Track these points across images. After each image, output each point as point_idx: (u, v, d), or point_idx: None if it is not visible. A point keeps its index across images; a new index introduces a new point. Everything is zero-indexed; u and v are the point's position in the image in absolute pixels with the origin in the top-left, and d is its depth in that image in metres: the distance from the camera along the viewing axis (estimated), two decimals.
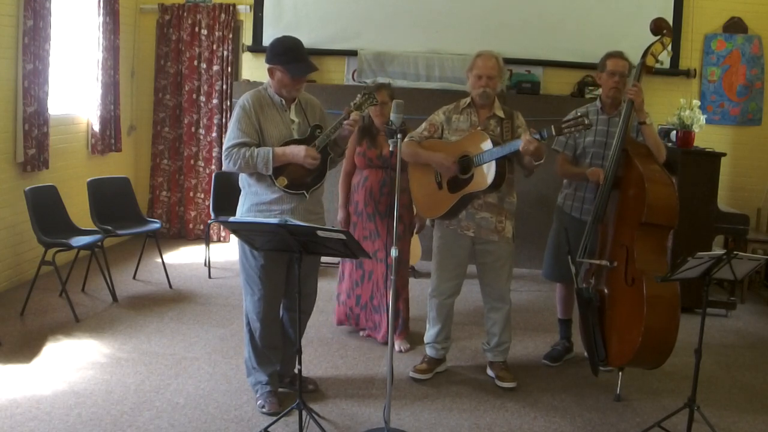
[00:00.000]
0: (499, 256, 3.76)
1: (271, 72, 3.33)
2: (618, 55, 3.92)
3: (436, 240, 3.87)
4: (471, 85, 3.72)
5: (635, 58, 3.86)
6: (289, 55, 3.28)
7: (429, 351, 3.98)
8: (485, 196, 3.66)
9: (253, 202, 3.37)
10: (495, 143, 3.53)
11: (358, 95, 3.40)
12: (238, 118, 3.31)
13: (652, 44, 3.78)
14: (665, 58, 3.99)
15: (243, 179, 3.43)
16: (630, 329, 3.46)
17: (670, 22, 6.12)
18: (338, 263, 6.03)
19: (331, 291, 5.34)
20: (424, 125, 3.81)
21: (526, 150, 3.38)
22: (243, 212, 3.42)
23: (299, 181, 3.31)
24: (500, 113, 3.73)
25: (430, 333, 3.96)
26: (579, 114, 3.45)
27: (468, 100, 3.77)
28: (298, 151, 3.25)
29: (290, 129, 3.35)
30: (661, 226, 3.56)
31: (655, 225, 3.53)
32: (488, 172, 3.53)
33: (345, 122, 3.31)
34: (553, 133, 3.39)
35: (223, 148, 3.33)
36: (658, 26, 3.81)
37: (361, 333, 4.49)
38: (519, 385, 3.84)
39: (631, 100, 3.67)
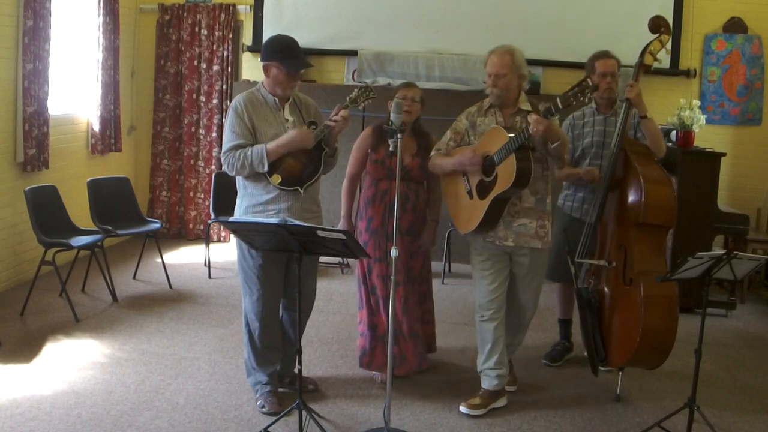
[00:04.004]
0: (531, 269, 3.49)
1: (266, 69, 3.34)
2: (605, 55, 3.90)
3: (473, 257, 3.57)
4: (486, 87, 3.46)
5: (635, 58, 3.86)
6: (285, 52, 3.29)
7: (483, 381, 3.58)
8: (521, 201, 3.38)
9: (250, 203, 3.38)
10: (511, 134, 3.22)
11: (355, 89, 3.40)
12: (231, 122, 3.33)
13: (650, 43, 3.77)
14: (664, 56, 3.97)
15: (239, 181, 3.44)
16: (628, 329, 3.46)
17: (670, 22, 6.17)
18: (337, 264, 6.07)
19: (331, 291, 5.36)
20: (448, 134, 3.54)
21: (536, 131, 3.09)
22: (240, 213, 3.42)
23: (293, 177, 3.31)
24: (525, 107, 3.41)
25: (480, 359, 3.59)
26: (580, 81, 3.07)
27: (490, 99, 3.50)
28: (291, 136, 3.25)
29: (284, 128, 3.35)
30: (658, 226, 3.56)
31: (653, 225, 3.53)
32: (509, 168, 3.21)
33: (331, 118, 3.31)
34: (560, 105, 3.06)
35: (221, 154, 3.34)
36: (656, 24, 3.80)
37: (376, 376, 3.86)
38: (519, 385, 3.83)
39: (628, 98, 3.65)
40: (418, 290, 3.87)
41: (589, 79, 3.03)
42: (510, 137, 3.18)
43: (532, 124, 3.10)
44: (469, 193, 3.45)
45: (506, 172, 3.22)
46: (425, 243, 3.84)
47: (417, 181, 3.73)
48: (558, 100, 3.07)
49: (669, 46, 6.20)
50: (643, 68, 3.76)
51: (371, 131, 3.78)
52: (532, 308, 3.66)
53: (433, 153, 3.55)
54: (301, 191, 3.33)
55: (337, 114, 3.31)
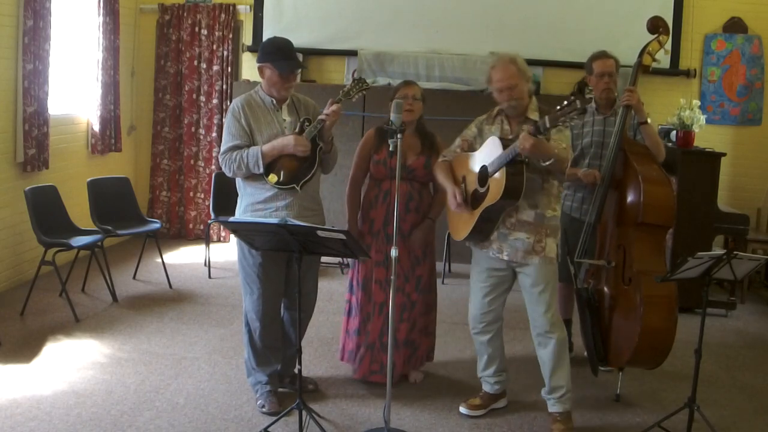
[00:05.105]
0: (536, 280, 3.27)
1: (261, 71, 3.36)
2: (603, 56, 3.89)
3: (472, 267, 3.49)
4: (497, 99, 3.32)
5: (636, 58, 3.86)
6: (278, 54, 3.31)
7: (483, 385, 3.60)
8: (518, 214, 3.24)
9: (249, 202, 3.39)
10: (506, 147, 3.12)
11: (349, 82, 3.40)
12: (228, 124, 3.36)
13: (649, 43, 3.79)
14: (663, 57, 3.97)
15: (238, 181, 3.46)
16: (628, 329, 3.47)
17: (670, 22, 6.19)
18: (337, 264, 6.07)
19: (331, 291, 5.35)
20: (457, 141, 3.47)
21: (523, 148, 2.97)
22: (240, 213, 3.44)
23: (290, 175, 3.32)
24: (534, 116, 3.28)
25: (478, 366, 3.59)
26: (570, 99, 2.93)
27: (499, 107, 3.38)
28: (287, 142, 3.27)
29: (282, 128, 3.36)
30: (658, 226, 3.56)
31: (652, 225, 3.53)
32: (500, 181, 3.13)
33: (323, 112, 3.32)
34: (548, 124, 2.96)
35: (219, 155, 3.36)
36: (654, 25, 3.82)
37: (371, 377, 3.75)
38: (519, 384, 3.82)
39: (627, 106, 3.67)
40: (426, 300, 3.77)
41: (577, 101, 2.89)
42: (503, 150, 3.11)
43: (519, 140, 2.99)
44: (465, 201, 3.37)
45: (497, 184, 3.15)
46: (414, 239, 3.66)
47: (421, 181, 3.67)
48: (546, 118, 2.98)
49: (669, 46, 6.24)
50: (642, 69, 3.77)
51: (374, 133, 3.73)
52: (557, 328, 3.30)
53: (439, 160, 3.48)
54: (298, 188, 3.33)
55: (329, 108, 3.32)
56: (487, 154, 3.25)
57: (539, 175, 3.23)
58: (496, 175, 3.15)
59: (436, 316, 3.89)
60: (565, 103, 2.92)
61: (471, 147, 3.40)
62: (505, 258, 3.29)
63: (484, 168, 3.25)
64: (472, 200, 3.33)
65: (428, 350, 3.88)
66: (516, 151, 3.03)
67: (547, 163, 3.09)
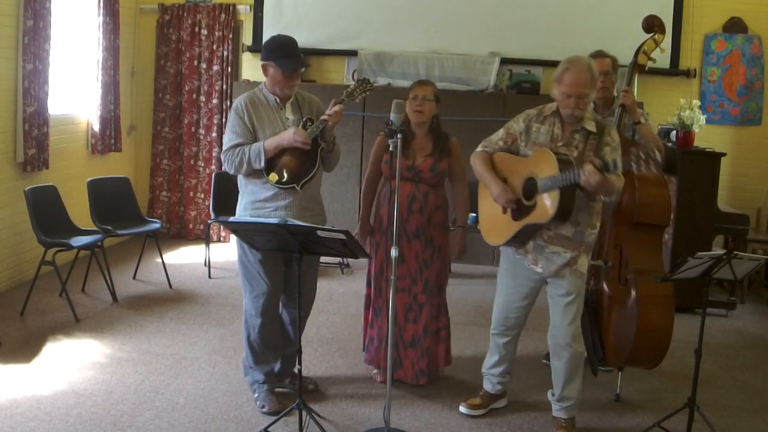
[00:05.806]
0: (567, 290, 3.21)
1: (264, 69, 3.37)
2: (598, 55, 3.90)
3: (500, 268, 3.45)
4: (558, 101, 3.16)
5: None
6: (281, 51, 3.32)
7: (485, 383, 3.60)
8: (557, 227, 3.15)
9: (249, 200, 3.40)
10: (563, 168, 2.95)
11: (353, 83, 3.41)
12: (231, 122, 3.37)
13: (644, 42, 3.80)
14: (660, 56, 3.97)
15: (240, 179, 3.46)
16: (625, 329, 3.47)
17: (670, 22, 6.19)
18: (337, 263, 6.07)
19: (331, 291, 5.36)
20: (501, 133, 3.30)
21: (587, 183, 2.84)
22: (240, 210, 3.45)
23: (291, 175, 3.32)
24: (590, 126, 3.13)
25: (486, 362, 3.59)
26: (651, 150, 2.79)
27: (553, 106, 3.21)
28: (287, 134, 3.27)
29: (285, 127, 3.36)
30: (653, 226, 3.56)
31: (648, 224, 3.53)
32: (551, 202, 3.00)
33: (326, 112, 3.32)
34: (619, 168, 2.84)
35: (222, 153, 3.36)
36: (649, 24, 3.83)
37: (374, 373, 3.88)
38: (519, 384, 3.82)
39: (622, 106, 3.68)
40: (433, 301, 3.74)
41: (658, 154, 2.76)
42: (560, 172, 2.94)
43: (586, 175, 2.84)
44: (516, 202, 3.21)
45: (548, 204, 3.02)
46: (453, 252, 3.76)
47: (428, 183, 3.63)
48: (618, 161, 2.83)
49: (668, 45, 6.24)
50: (638, 68, 3.79)
51: (385, 133, 3.72)
52: (576, 342, 3.26)
53: (479, 148, 3.34)
54: (298, 188, 3.34)
55: (331, 108, 3.32)
56: (537, 166, 3.09)
57: (586, 194, 3.12)
58: (546, 195, 3.02)
59: (448, 321, 3.83)
60: (642, 155, 2.76)
61: (515, 143, 3.26)
62: (539, 271, 3.24)
63: (532, 181, 3.10)
64: (513, 210, 3.21)
65: (441, 356, 3.82)
66: (576, 181, 2.90)
67: (608, 199, 3.06)
